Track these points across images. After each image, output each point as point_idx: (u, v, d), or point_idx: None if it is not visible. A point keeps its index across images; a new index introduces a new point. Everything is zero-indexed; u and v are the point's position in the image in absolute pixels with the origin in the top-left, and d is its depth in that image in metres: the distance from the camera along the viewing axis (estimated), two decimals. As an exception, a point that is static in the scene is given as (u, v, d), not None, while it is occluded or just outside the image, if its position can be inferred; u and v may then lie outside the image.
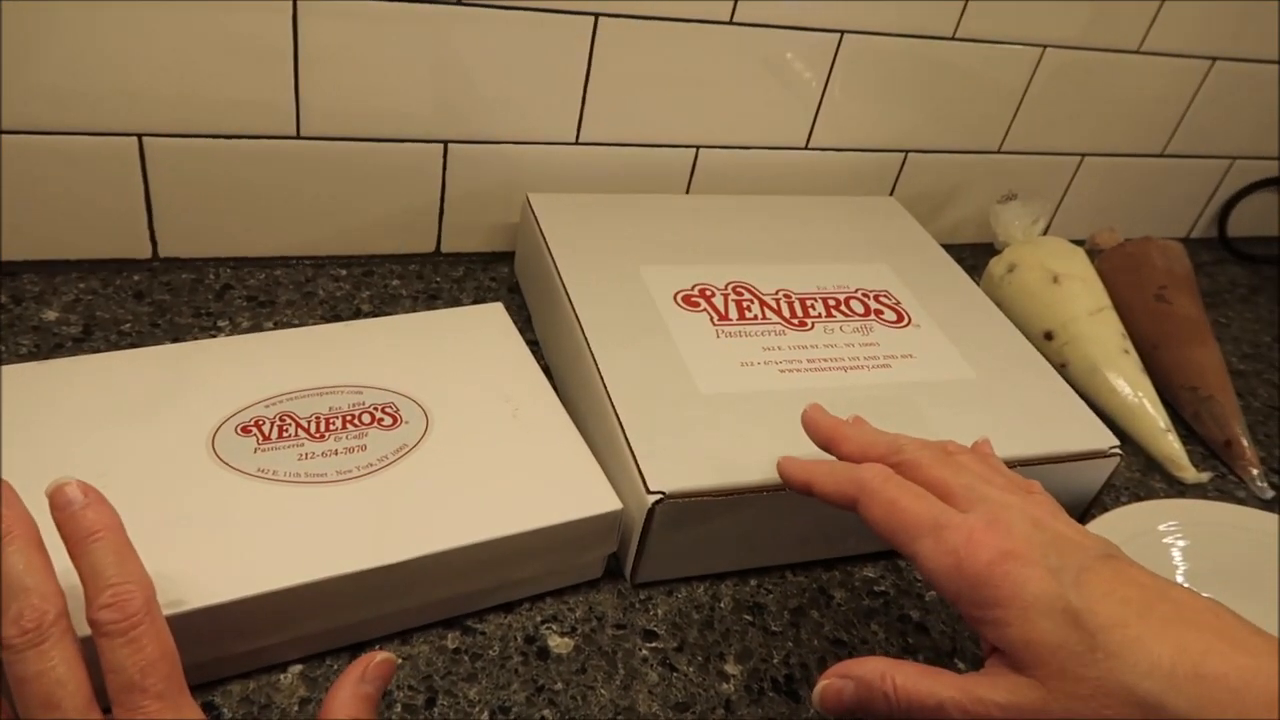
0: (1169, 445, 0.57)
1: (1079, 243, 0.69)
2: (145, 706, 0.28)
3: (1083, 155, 0.78)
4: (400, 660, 0.40)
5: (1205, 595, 0.31)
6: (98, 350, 0.51)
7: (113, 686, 0.29)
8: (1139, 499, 0.55)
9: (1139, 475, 0.57)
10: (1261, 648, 0.29)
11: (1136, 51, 0.72)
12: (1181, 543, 0.49)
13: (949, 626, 0.46)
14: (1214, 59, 0.74)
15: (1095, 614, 0.30)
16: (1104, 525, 0.48)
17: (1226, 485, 0.58)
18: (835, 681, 0.34)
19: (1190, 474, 0.57)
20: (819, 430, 0.41)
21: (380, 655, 0.33)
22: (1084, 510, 0.52)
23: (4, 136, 0.51)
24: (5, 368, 0.44)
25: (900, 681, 0.33)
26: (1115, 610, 0.30)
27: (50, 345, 0.52)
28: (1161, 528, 0.49)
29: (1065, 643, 0.30)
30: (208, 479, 0.40)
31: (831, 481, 0.37)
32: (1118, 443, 0.50)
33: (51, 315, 0.54)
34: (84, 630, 0.30)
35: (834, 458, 0.40)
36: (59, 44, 0.49)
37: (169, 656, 0.29)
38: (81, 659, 0.29)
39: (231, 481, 0.40)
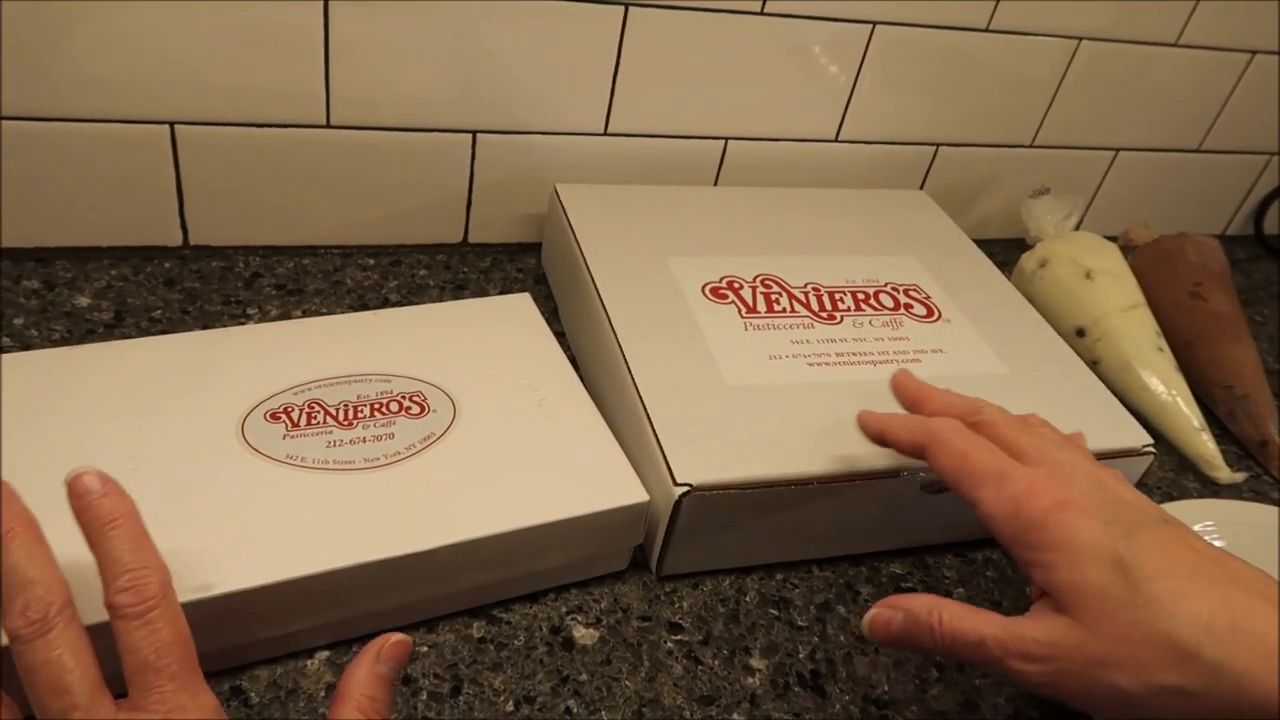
0: (1203, 444, 0.57)
1: (1112, 238, 0.68)
2: (161, 687, 0.29)
3: (1117, 150, 0.76)
4: (426, 648, 0.40)
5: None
6: (129, 336, 0.52)
7: (129, 668, 0.29)
8: (1172, 499, 0.54)
9: (1172, 475, 0.56)
10: None
11: (1174, 44, 0.71)
12: (1218, 543, 0.48)
13: (977, 624, 0.46)
14: (1254, 52, 0.73)
15: (1143, 566, 0.31)
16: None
17: (1262, 486, 0.57)
18: (885, 611, 0.36)
19: (1225, 474, 0.56)
20: (906, 392, 0.44)
21: (396, 636, 0.33)
22: (1116, 509, 0.51)
23: (37, 123, 0.52)
24: (38, 353, 0.44)
25: (946, 617, 0.34)
26: (1165, 566, 0.31)
27: (82, 331, 0.52)
28: (1198, 528, 0.49)
29: (1110, 588, 0.31)
30: (237, 464, 0.40)
31: (904, 431, 0.39)
32: (1151, 441, 0.49)
33: (83, 301, 0.54)
34: (91, 619, 0.30)
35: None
36: (92, 32, 0.50)
37: (184, 641, 0.30)
38: (88, 645, 0.29)
39: (260, 467, 0.40)
